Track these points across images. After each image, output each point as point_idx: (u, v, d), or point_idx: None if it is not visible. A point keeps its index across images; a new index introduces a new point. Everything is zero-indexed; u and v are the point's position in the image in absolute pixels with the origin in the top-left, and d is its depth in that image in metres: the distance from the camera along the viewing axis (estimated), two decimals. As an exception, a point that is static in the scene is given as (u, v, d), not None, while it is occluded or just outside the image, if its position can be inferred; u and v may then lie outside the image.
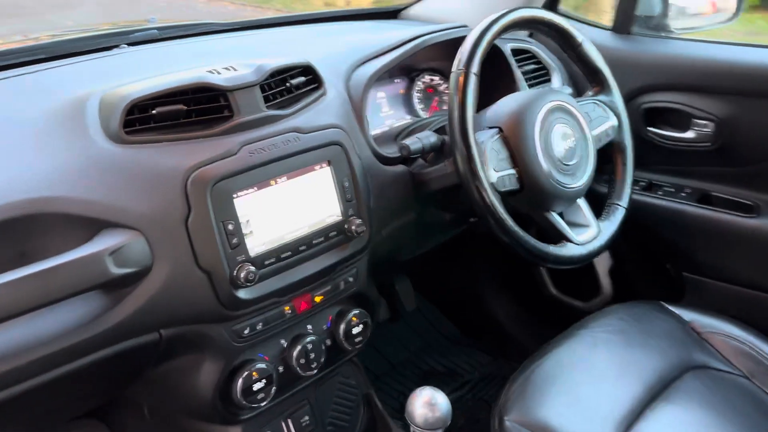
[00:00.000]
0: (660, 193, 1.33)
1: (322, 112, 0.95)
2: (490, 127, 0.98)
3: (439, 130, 1.07)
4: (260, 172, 0.84)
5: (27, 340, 0.72)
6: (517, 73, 1.25)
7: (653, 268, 1.46)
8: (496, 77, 1.22)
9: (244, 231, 0.83)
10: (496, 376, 1.64)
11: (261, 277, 0.84)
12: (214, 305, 0.82)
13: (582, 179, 1.01)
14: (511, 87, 1.22)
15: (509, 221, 0.92)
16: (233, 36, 1.27)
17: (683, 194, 1.31)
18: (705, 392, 0.99)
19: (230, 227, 0.81)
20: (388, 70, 1.13)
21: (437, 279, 1.81)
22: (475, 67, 0.92)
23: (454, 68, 0.93)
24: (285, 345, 0.97)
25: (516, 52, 1.29)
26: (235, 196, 0.82)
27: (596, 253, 1.02)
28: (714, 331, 1.12)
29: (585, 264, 1.04)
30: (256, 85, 0.87)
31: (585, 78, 1.12)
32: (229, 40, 1.25)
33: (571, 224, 1.05)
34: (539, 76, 1.33)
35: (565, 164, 0.99)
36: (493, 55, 1.24)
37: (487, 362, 1.69)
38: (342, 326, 1.01)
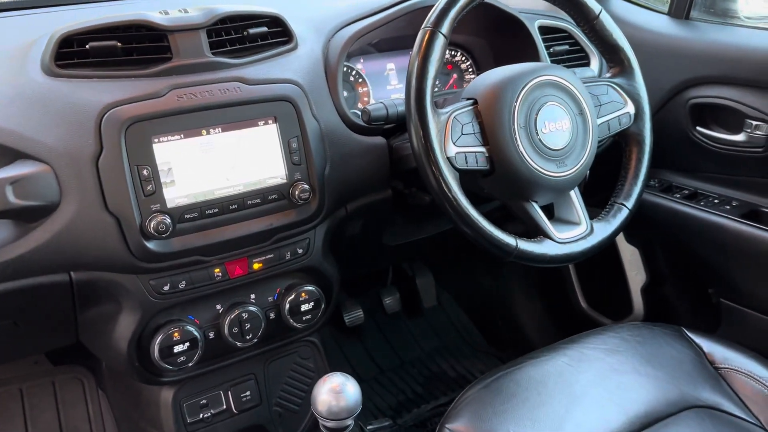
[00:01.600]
0: (703, 203, 1.14)
1: (283, 67, 0.88)
2: (466, 99, 0.86)
3: None
4: (188, 118, 0.79)
5: None
6: (543, 52, 1.11)
7: (695, 291, 1.26)
8: (517, 56, 1.09)
9: (163, 179, 0.78)
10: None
11: (179, 231, 0.79)
12: (124, 253, 0.78)
13: (573, 168, 0.87)
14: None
15: (464, 202, 0.80)
16: None
17: (728, 207, 1.11)
18: None
19: (145, 173, 0.76)
20: (390, 37, 1.05)
21: (464, 278, 1.69)
22: (444, 27, 0.81)
23: (422, 26, 0.83)
24: (220, 311, 0.91)
25: (546, 30, 1.15)
26: (155, 140, 0.77)
27: (579, 255, 0.88)
28: (735, 368, 0.94)
29: (562, 265, 0.90)
30: (202, 29, 0.82)
31: (602, 57, 0.97)
32: None
33: (560, 220, 0.91)
34: (575, 59, 1.18)
35: (550, 149, 0.85)
36: (517, 29, 1.12)
37: None
38: (288, 301, 0.94)
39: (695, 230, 1.14)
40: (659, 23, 1.19)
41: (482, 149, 0.84)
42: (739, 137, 1.07)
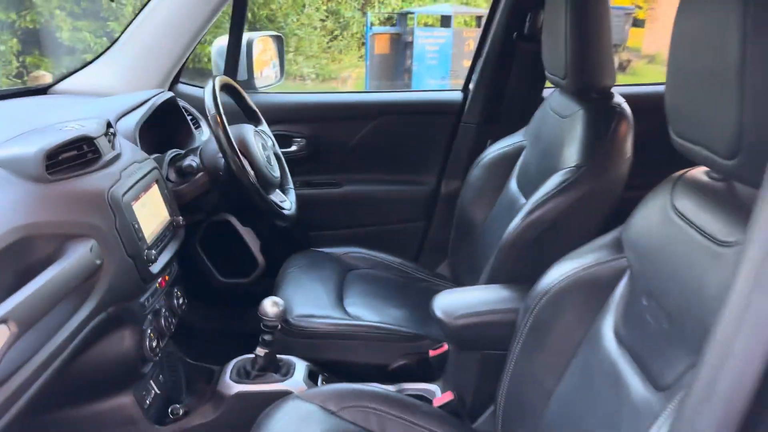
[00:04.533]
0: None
1: (132, 151, 1.35)
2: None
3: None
4: (134, 189, 1.23)
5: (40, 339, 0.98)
6: (188, 119, 1.81)
7: (288, 242, 2.22)
8: (177, 125, 1.77)
9: (142, 227, 1.21)
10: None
11: (155, 258, 1.24)
12: (137, 280, 1.18)
13: (277, 173, 1.69)
14: (189, 129, 1.79)
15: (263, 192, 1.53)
16: None
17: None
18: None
19: (135, 225, 1.19)
20: None
21: None
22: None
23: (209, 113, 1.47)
24: (160, 310, 1.35)
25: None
26: (133, 204, 1.20)
27: (294, 216, 1.71)
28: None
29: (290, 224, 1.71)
30: (102, 134, 1.24)
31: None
32: None
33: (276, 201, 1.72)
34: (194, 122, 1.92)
35: (269, 163, 1.65)
36: (173, 110, 1.78)
37: None
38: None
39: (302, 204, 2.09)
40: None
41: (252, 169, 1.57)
42: (293, 148, 2.08)
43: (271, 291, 1.72)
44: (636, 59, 10.72)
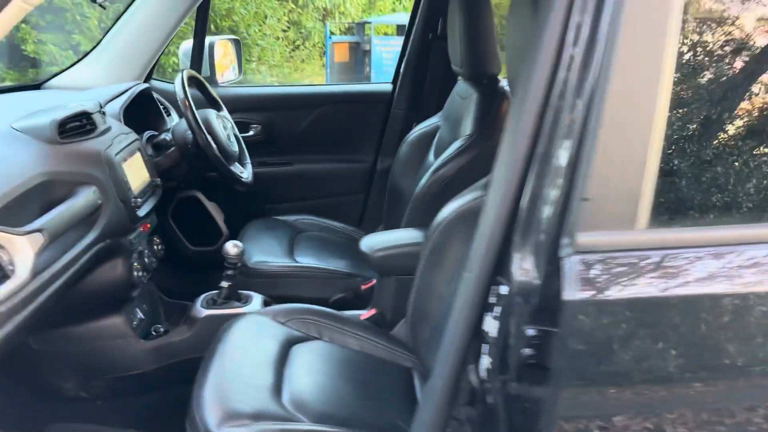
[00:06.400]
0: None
1: (119, 127, 1.72)
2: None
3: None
4: (122, 152, 1.60)
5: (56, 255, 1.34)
6: (160, 108, 2.19)
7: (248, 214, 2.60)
8: (151, 112, 2.15)
9: (130, 181, 1.58)
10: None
11: (140, 204, 1.61)
12: (127, 220, 1.56)
13: (236, 149, 2.07)
14: (161, 116, 2.16)
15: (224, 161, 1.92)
16: None
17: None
18: None
19: (125, 179, 1.56)
20: None
21: None
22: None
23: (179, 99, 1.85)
24: (143, 251, 1.71)
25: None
26: (122, 163, 1.57)
27: (251, 183, 2.09)
28: None
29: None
30: (97, 111, 1.61)
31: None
32: None
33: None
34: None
35: (229, 141, 2.03)
36: (148, 99, 2.15)
37: None
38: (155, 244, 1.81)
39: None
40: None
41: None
42: (250, 133, 2.46)
43: None
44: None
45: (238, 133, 2.23)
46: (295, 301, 1.97)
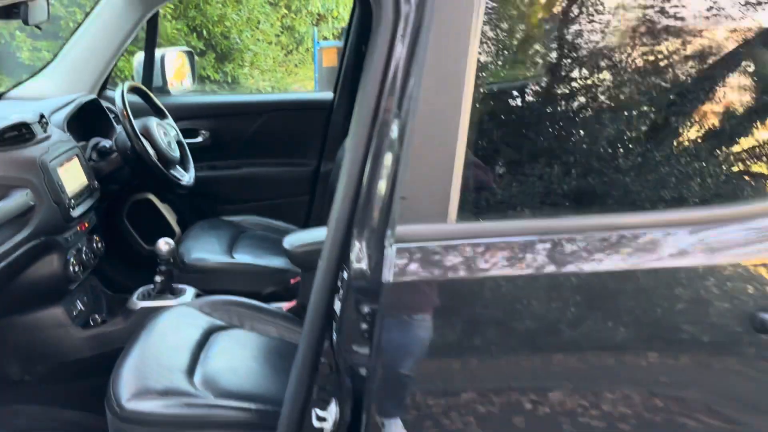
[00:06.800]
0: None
1: (60, 135, 1.90)
2: None
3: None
4: (58, 158, 1.78)
5: None
6: (110, 117, 2.36)
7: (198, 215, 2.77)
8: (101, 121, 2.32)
9: (65, 185, 1.76)
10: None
11: (75, 206, 1.78)
12: (62, 220, 1.73)
13: (177, 154, 2.25)
14: (111, 124, 2.34)
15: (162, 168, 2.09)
16: None
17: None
18: None
19: (59, 183, 1.74)
20: None
21: None
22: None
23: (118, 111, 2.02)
24: (81, 248, 1.89)
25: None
26: (58, 168, 1.74)
27: (191, 186, 2.26)
28: None
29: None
30: (36, 122, 1.79)
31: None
32: None
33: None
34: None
35: (169, 146, 2.21)
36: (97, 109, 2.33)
37: None
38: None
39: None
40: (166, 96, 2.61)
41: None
42: (199, 139, 2.63)
43: None
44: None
45: (182, 138, 2.40)
46: (229, 294, 2.15)
